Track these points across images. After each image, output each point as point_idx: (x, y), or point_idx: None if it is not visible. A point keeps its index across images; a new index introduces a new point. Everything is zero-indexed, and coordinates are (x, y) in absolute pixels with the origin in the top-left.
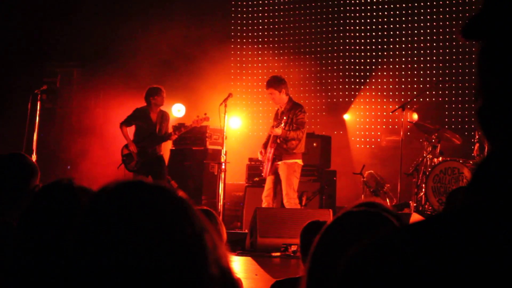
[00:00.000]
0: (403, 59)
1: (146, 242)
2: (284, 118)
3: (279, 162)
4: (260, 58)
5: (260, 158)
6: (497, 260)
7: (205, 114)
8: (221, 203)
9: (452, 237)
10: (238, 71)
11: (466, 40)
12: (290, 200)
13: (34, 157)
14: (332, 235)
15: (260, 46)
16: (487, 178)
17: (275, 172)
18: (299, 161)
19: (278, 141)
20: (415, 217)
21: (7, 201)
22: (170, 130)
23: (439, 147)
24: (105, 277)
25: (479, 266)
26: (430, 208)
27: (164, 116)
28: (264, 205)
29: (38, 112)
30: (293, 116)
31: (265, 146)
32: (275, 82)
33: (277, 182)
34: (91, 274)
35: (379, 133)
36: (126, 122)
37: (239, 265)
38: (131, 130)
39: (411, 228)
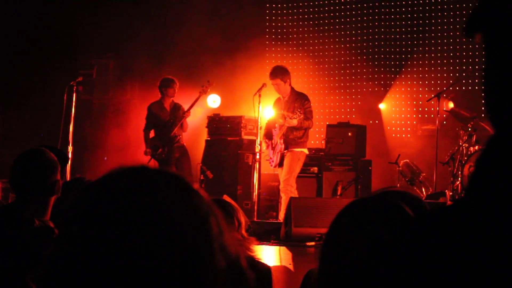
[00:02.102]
0: (439, 47)
1: (147, 227)
2: (298, 109)
3: (285, 151)
4: (294, 48)
5: (264, 148)
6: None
7: (208, 80)
8: (256, 193)
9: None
10: (273, 61)
11: (468, 37)
12: (288, 186)
13: (70, 149)
14: (341, 222)
15: (294, 36)
16: (490, 165)
17: (283, 163)
18: (305, 150)
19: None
20: None
21: (27, 198)
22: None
23: (475, 136)
24: (100, 266)
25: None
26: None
27: (176, 106)
28: (283, 198)
29: (74, 104)
30: (300, 105)
31: (267, 136)
32: (281, 73)
33: None
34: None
35: (414, 122)
36: (147, 126)
37: (274, 254)
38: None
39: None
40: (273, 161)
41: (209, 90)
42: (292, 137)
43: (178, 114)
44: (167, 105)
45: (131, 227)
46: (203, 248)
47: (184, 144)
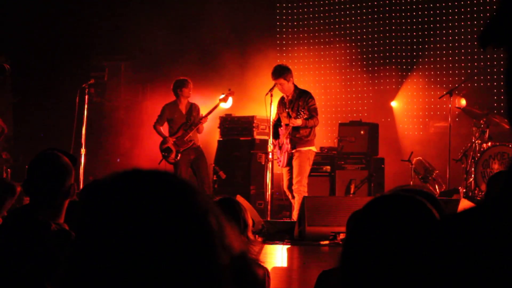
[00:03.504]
0: (450, 44)
1: (145, 230)
2: (302, 108)
3: (293, 151)
4: (306, 47)
5: (270, 150)
6: None
7: (229, 89)
8: (269, 192)
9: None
10: (284, 60)
11: (484, 49)
12: (301, 187)
13: (83, 151)
14: (363, 220)
15: (305, 34)
16: None
17: (290, 162)
18: (313, 148)
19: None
20: (465, 203)
21: (43, 201)
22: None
23: (487, 132)
24: (102, 268)
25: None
26: (480, 193)
27: (193, 108)
28: (289, 195)
29: (86, 106)
30: (304, 103)
31: (274, 136)
32: (283, 72)
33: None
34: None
35: (427, 120)
36: (158, 122)
37: (287, 253)
38: (165, 128)
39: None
40: (280, 161)
41: (228, 99)
42: (299, 136)
43: (194, 117)
44: (182, 106)
45: (130, 230)
46: (204, 246)
47: (200, 145)
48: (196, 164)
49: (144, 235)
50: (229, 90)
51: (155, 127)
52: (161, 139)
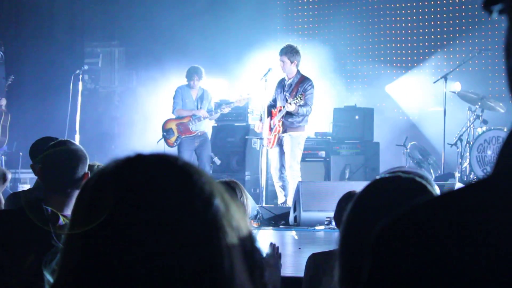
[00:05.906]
0: (445, 28)
1: (151, 217)
2: (299, 94)
3: (284, 134)
4: (300, 33)
5: (258, 130)
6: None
7: (248, 93)
8: (264, 178)
9: (476, 211)
10: (279, 45)
11: (487, 11)
12: (293, 172)
13: (77, 137)
14: (364, 201)
15: (299, 20)
16: None
17: (279, 144)
18: (304, 133)
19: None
20: None
21: (56, 189)
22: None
23: (482, 116)
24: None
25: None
26: (475, 178)
27: (204, 95)
28: (274, 177)
29: (80, 93)
30: (302, 90)
31: (268, 115)
32: (289, 52)
33: (282, 153)
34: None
35: (421, 104)
36: (177, 103)
37: (283, 239)
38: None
39: (437, 200)
40: (270, 141)
41: (244, 103)
42: (292, 121)
43: (204, 105)
44: (194, 92)
45: (135, 218)
46: (213, 227)
47: (205, 131)
48: (199, 150)
49: (150, 220)
50: (248, 94)
51: (176, 112)
52: (164, 119)
